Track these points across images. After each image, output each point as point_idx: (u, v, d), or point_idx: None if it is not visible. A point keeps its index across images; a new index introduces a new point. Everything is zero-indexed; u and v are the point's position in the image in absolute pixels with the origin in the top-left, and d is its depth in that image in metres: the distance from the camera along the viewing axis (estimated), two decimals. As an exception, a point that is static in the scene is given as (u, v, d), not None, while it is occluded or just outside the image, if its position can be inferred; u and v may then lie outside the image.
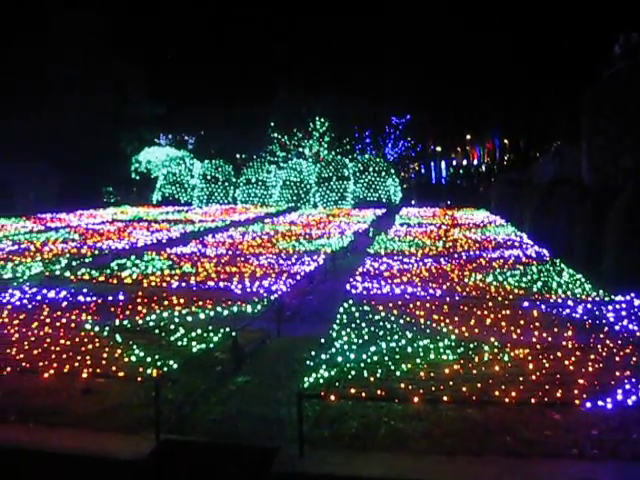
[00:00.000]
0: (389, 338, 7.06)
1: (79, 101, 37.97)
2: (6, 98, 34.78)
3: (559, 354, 6.54)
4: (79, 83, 38.20)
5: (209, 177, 36.43)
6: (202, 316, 8.08)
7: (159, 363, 6.09)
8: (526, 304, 8.84)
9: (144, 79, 42.41)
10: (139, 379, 5.61)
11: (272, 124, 47.56)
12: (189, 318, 7.95)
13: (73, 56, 38.43)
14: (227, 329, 7.18)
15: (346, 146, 48.57)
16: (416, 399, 5.19)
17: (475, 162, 74.12)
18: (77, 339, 7.06)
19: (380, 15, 51.09)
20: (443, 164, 71.42)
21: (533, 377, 5.90)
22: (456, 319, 8.04)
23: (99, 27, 40.10)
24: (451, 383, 5.72)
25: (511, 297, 9.39)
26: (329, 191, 34.82)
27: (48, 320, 7.97)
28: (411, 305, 8.81)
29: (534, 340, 7.13)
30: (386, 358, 6.36)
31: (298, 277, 11.06)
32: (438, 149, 68.85)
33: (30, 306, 8.85)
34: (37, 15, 37.66)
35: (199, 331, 7.20)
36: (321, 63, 48.56)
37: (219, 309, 8.40)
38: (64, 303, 9.02)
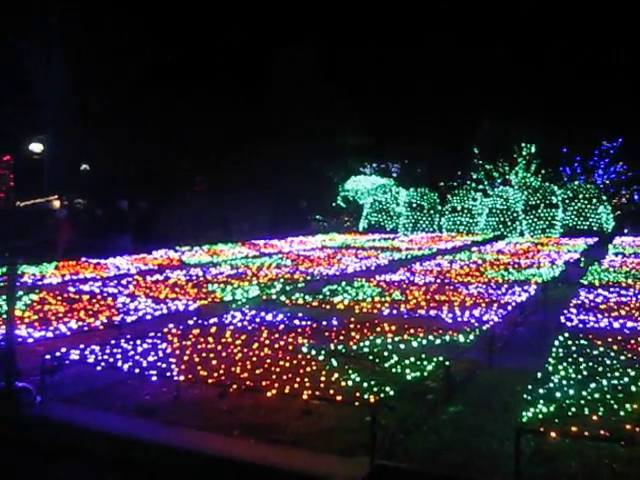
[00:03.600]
0: (610, 375, 6.74)
1: (295, 135, 39.85)
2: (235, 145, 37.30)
3: None
4: (297, 118, 40.09)
5: (415, 205, 36.66)
6: (414, 344, 8.13)
7: (375, 389, 6.20)
8: None
9: (353, 111, 43.61)
10: (357, 404, 5.74)
11: (477, 152, 47.04)
12: (402, 346, 8.03)
13: (292, 91, 40.47)
14: (440, 358, 7.18)
15: (553, 172, 46.97)
16: (645, 442, 4.91)
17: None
18: (295, 361, 7.35)
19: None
20: (660, 189, 67.16)
21: None
22: (686, 359, 7.53)
23: (313, 62, 41.98)
24: (685, 428, 5.36)
25: None
26: (536, 219, 33.87)
27: (267, 342, 8.36)
28: (632, 341, 8.35)
29: None
30: (608, 396, 6.07)
31: (509, 307, 10.85)
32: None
33: (250, 328, 9.32)
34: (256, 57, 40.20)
35: (412, 359, 7.26)
36: (526, 88, 47.37)
37: (431, 338, 8.42)
38: (281, 326, 9.41)
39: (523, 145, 45.52)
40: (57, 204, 34.78)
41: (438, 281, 14.23)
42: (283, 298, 11.85)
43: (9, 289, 6.66)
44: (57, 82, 37.30)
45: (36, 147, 39.65)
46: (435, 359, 7.17)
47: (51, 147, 38.50)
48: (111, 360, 7.32)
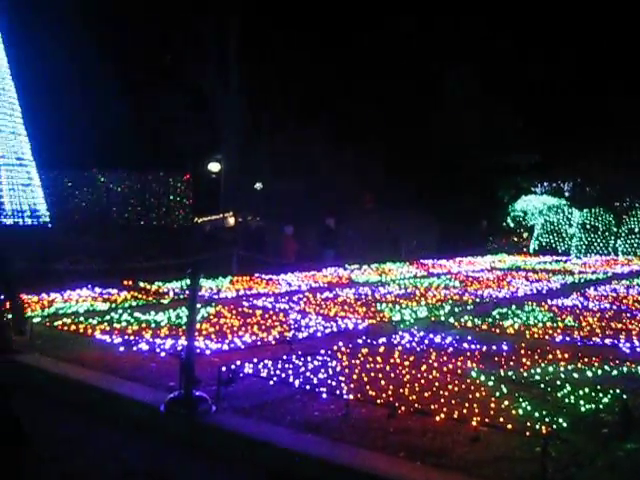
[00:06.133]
0: None
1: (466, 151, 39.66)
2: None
3: None
4: (466, 135, 39.84)
5: (588, 226, 35.28)
6: (589, 374, 7.84)
7: (546, 419, 6.03)
8: None
9: (522, 129, 42.69)
10: (527, 433, 5.61)
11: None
12: (575, 375, 7.76)
13: (460, 109, 40.28)
14: (616, 390, 6.88)
15: None
16: None
17: None
18: (464, 386, 7.28)
19: None
20: None
21: None
22: None
23: (478, 81, 41.62)
24: None
25: None
26: None
27: (435, 364, 8.33)
28: None
29: None
30: None
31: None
32: None
33: (418, 349, 9.33)
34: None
35: (586, 389, 7.00)
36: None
37: (607, 368, 8.08)
38: (449, 349, 9.35)
39: None
40: (232, 221, 36.34)
41: (614, 307, 13.64)
42: (452, 320, 11.75)
43: (191, 301, 7.02)
44: (234, 104, 39.02)
45: (214, 167, 41.54)
46: (611, 391, 6.88)
47: (228, 167, 40.22)
48: (282, 375, 7.57)
